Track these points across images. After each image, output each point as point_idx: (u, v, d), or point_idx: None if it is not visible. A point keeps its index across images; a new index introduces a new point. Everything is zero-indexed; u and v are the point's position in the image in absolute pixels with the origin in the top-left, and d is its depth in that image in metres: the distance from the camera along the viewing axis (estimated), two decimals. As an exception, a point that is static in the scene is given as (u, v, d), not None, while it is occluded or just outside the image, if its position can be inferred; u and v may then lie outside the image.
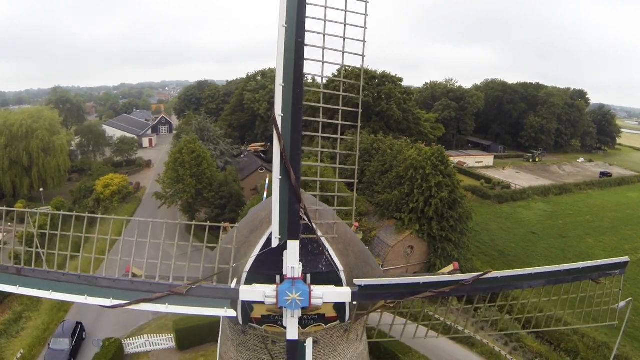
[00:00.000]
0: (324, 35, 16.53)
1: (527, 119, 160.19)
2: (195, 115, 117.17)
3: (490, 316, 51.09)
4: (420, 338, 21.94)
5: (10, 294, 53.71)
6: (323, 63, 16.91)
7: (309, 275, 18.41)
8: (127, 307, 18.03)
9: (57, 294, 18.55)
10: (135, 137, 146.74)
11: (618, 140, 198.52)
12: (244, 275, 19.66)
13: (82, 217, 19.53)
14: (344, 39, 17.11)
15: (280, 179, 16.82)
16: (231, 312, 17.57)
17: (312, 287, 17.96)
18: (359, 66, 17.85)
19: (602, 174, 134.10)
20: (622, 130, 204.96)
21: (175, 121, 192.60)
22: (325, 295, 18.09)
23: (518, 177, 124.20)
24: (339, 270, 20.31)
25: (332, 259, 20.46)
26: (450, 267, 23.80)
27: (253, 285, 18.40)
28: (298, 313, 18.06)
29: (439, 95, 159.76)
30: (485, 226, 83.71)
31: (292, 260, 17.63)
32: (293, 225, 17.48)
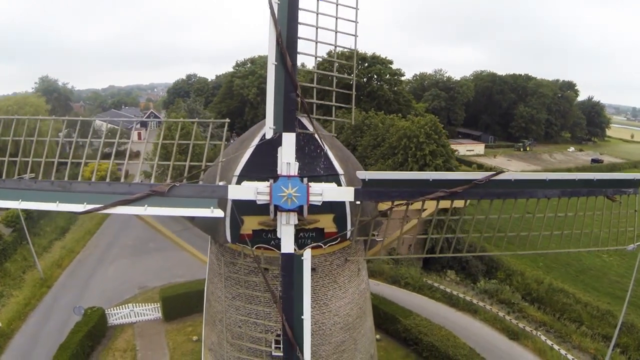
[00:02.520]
0: (317, 14, 16.58)
1: (517, 109, 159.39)
2: (184, 99, 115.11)
3: (490, 287, 49.68)
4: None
5: None
6: (317, 43, 16.80)
7: (305, 179, 16.35)
8: (103, 213, 15.86)
9: (26, 202, 16.69)
10: (124, 129, 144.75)
11: (607, 132, 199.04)
12: (234, 180, 17.63)
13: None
14: (337, 19, 16.94)
15: (275, 65, 15.52)
16: (218, 212, 15.37)
17: (311, 183, 16.00)
18: (351, 47, 17.75)
19: (594, 161, 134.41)
20: (611, 125, 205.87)
21: (164, 117, 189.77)
22: (325, 192, 16.02)
23: (509, 165, 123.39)
24: (339, 174, 18.38)
25: (331, 160, 18.60)
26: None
27: (243, 182, 16.36)
28: (294, 219, 16.07)
29: (429, 85, 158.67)
30: (480, 208, 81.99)
31: (287, 156, 15.71)
32: (289, 115, 15.74)
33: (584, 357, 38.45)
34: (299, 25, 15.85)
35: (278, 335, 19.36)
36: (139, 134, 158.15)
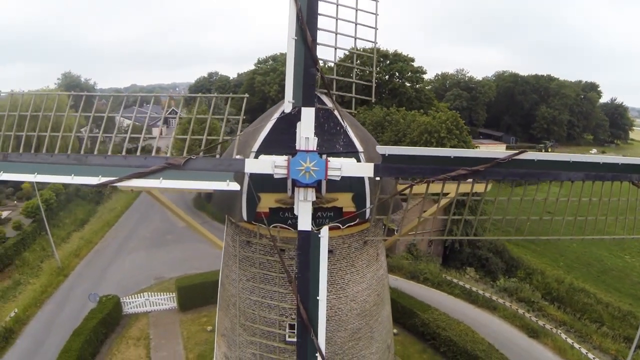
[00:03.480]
0: (337, 5, 16.49)
1: (539, 110, 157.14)
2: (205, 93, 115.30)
3: (509, 286, 48.84)
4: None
5: (10, 263, 52.22)
6: (336, 34, 16.70)
7: (324, 156, 15.84)
8: (118, 185, 15.54)
9: (41, 176, 16.34)
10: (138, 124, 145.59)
11: (630, 135, 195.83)
12: (252, 155, 17.18)
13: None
14: (357, 10, 16.92)
15: (295, 40, 15.06)
16: (234, 185, 14.98)
17: (329, 158, 15.54)
18: (371, 40, 17.56)
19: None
20: (635, 127, 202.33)
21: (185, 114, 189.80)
22: (344, 167, 15.54)
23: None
24: (358, 151, 17.88)
25: (350, 138, 18.17)
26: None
27: (261, 156, 15.93)
28: (312, 195, 15.59)
29: (450, 85, 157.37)
30: (499, 206, 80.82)
31: (306, 130, 15.21)
32: (308, 90, 15.22)
33: (605, 357, 37.41)
34: (319, 2, 15.49)
35: (293, 320, 18.95)
36: (161, 131, 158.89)
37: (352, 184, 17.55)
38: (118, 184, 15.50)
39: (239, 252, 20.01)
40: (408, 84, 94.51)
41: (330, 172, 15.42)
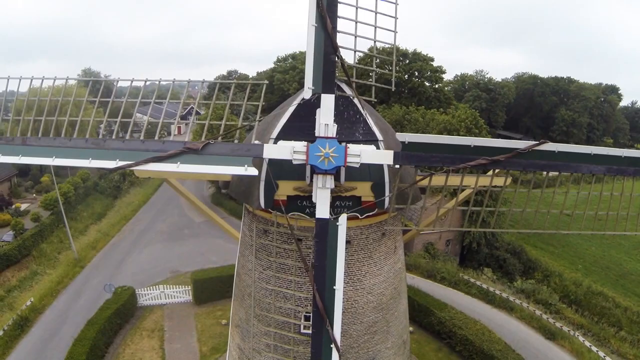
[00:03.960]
0: (357, 8, 16.24)
1: (558, 112, 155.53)
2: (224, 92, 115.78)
3: (527, 287, 48.28)
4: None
5: (27, 254, 52.77)
6: (355, 37, 16.20)
7: (343, 143, 15.63)
8: (135, 170, 15.45)
9: (59, 159, 16.29)
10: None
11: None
12: (271, 142, 17.05)
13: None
14: (376, 14, 16.65)
15: (315, 27, 14.86)
16: (252, 170, 14.85)
17: (349, 145, 15.37)
18: (392, 29, 17.01)
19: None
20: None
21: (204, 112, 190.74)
22: (364, 153, 15.36)
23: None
24: (378, 140, 17.67)
25: (370, 126, 17.96)
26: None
27: (280, 141, 15.78)
28: (331, 182, 15.39)
29: (470, 86, 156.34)
30: (517, 203, 79.94)
31: (326, 117, 15.01)
32: (328, 77, 15.02)
33: (623, 362, 36.91)
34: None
35: (308, 312, 18.75)
36: (179, 129, 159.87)
37: (372, 173, 17.40)
38: (135, 168, 15.40)
39: (255, 241, 19.86)
40: (427, 84, 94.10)
41: (349, 159, 15.22)
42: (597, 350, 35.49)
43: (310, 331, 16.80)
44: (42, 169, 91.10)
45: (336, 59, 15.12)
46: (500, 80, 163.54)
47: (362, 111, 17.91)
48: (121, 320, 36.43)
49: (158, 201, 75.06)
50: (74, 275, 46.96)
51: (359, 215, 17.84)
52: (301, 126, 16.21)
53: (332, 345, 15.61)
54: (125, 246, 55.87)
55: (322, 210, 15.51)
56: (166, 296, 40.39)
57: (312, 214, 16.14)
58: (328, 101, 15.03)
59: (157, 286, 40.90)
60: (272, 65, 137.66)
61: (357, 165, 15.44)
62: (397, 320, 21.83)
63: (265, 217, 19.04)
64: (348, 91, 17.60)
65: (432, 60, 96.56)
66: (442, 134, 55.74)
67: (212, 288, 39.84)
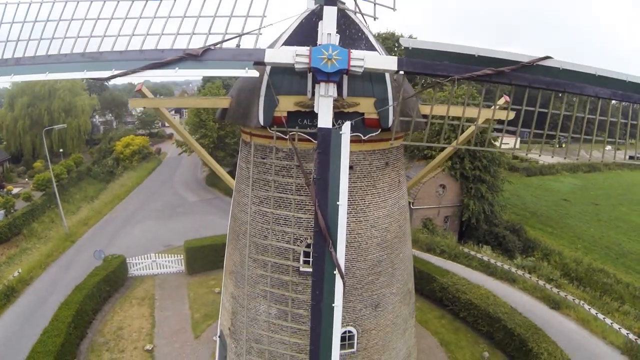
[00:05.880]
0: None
1: (553, 106, 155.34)
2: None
3: (527, 264, 47.24)
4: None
5: (18, 233, 52.28)
6: None
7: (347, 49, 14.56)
8: (132, 77, 14.41)
9: (53, 74, 15.21)
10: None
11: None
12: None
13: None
14: None
15: None
16: (253, 72, 13.94)
17: (352, 50, 14.40)
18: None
19: (631, 157, 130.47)
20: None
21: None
22: (367, 58, 14.42)
23: (545, 158, 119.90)
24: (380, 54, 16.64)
25: (372, 43, 17.10)
26: (502, 100, 19.91)
27: (282, 46, 14.86)
28: (333, 90, 14.40)
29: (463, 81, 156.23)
30: (514, 192, 79.26)
31: (328, 27, 14.28)
32: (329, -12, 14.23)
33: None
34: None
35: (308, 246, 17.57)
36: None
37: (374, 88, 16.51)
38: (132, 75, 14.49)
39: (252, 173, 18.66)
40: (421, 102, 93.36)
41: (352, 63, 14.27)
42: (603, 318, 34.43)
43: (310, 270, 15.77)
44: (35, 153, 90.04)
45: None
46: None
47: (363, 30, 17.26)
48: (110, 287, 35.16)
49: (151, 184, 74.45)
50: (64, 249, 45.65)
51: (362, 136, 16.75)
52: (305, 41, 15.15)
53: (336, 271, 14.46)
54: (118, 223, 54.75)
55: (325, 119, 14.50)
56: (158, 265, 39.13)
57: (314, 133, 15.29)
58: (330, 12, 14.34)
59: (148, 255, 39.48)
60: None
61: (361, 70, 14.49)
62: (402, 264, 20.61)
63: (264, 144, 17.92)
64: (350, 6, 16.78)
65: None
66: (440, 127, 54.77)
67: (205, 257, 38.64)
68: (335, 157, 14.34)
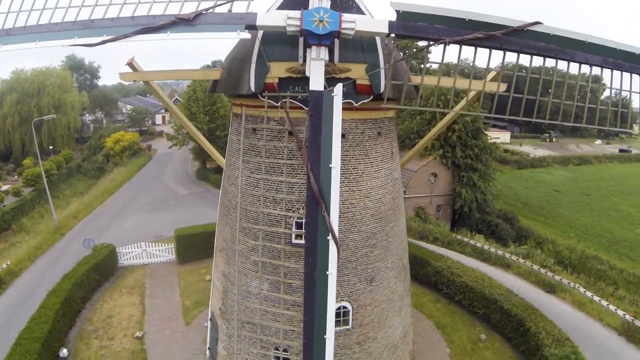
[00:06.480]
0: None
1: (544, 101, 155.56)
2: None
3: (521, 252, 47.03)
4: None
5: (7, 228, 52.48)
6: None
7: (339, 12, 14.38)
8: (123, 42, 14.13)
9: (43, 42, 15.12)
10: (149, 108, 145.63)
11: (635, 129, 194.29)
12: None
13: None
14: None
15: None
16: (245, 35, 14.08)
17: (343, 13, 14.40)
18: None
19: (621, 151, 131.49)
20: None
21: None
22: (358, 21, 14.42)
23: (536, 152, 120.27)
24: (371, 21, 16.48)
25: (363, 11, 17.10)
26: (493, 73, 19.71)
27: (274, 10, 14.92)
28: (325, 53, 14.30)
29: (453, 74, 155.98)
30: (506, 184, 79.28)
31: (319, -9, 14.09)
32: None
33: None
34: None
35: (300, 218, 17.20)
36: (163, 118, 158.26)
37: (365, 54, 16.41)
38: (123, 40, 14.39)
39: (243, 143, 18.28)
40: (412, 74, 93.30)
41: (344, 25, 14.25)
42: (599, 300, 34.23)
43: (302, 242, 15.43)
44: (25, 151, 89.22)
45: None
46: (485, 68, 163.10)
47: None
48: (100, 276, 34.54)
49: (142, 179, 73.89)
50: (53, 242, 44.95)
51: (354, 103, 16.47)
52: (297, 9, 14.83)
53: (329, 237, 14.14)
54: (108, 216, 54.13)
55: (317, 82, 14.39)
56: (148, 255, 38.59)
57: (305, 101, 15.22)
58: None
59: (138, 244, 38.93)
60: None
61: (352, 33, 14.45)
62: (397, 238, 20.34)
63: (255, 115, 17.61)
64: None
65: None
66: (429, 99, 54.31)
67: (196, 245, 38.10)
68: (328, 120, 14.14)
